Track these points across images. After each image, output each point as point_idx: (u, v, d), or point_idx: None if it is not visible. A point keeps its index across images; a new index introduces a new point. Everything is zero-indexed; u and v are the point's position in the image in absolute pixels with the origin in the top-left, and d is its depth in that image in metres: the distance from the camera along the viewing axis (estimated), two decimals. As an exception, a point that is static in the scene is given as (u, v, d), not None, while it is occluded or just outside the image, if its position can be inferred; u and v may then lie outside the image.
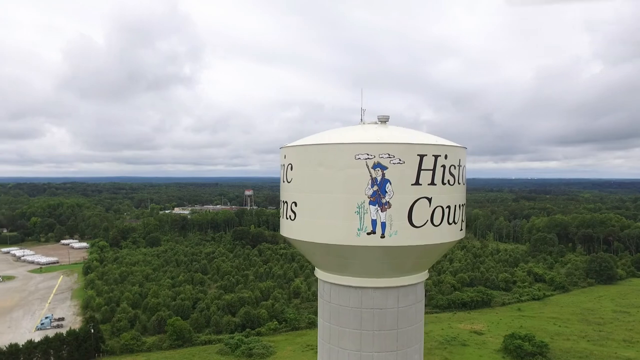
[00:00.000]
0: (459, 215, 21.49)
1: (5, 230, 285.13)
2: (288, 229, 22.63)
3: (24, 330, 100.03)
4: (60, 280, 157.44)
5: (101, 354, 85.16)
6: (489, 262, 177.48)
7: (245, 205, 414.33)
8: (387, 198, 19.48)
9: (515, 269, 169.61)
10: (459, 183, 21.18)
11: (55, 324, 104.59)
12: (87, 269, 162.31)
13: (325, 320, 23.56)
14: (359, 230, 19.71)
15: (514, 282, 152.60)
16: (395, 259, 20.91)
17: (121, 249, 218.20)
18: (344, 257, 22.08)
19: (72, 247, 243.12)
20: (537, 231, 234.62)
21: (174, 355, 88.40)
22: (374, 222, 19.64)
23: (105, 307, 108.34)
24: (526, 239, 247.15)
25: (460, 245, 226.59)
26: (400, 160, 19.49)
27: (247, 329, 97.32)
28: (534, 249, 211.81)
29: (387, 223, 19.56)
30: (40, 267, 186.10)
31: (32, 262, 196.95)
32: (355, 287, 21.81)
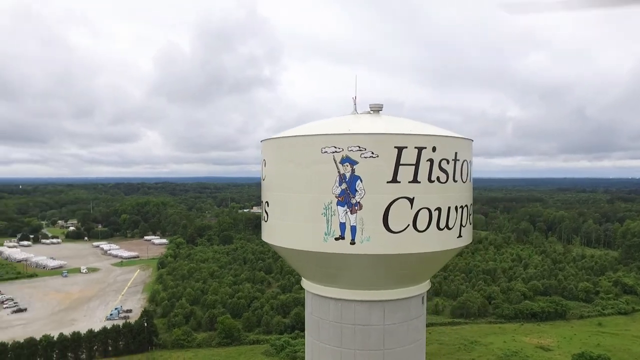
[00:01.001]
0: (458, 218, 17.87)
1: (100, 226, 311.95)
2: (263, 231, 20.54)
3: (96, 320, 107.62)
4: (136, 274, 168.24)
5: (154, 347, 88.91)
6: (569, 269, 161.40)
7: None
8: (357, 198, 16.59)
9: (600, 278, 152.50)
10: (454, 180, 17.63)
11: (123, 315, 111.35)
12: (160, 264, 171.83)
13: (309, 334, 21.03)
14: (326, 234, 17.00)
15: (597, 293, 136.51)
16: (371, 270, 17.85)
17: (196, 246, 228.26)
18: (315, 265, 19.45)
19: (153, 243, 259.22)
20: (632, 236, 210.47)
21: (221, 353, 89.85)
22: (342, 226, 16.82)
23: (166, 301, 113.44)
24: (619, 244, 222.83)
25: (539, 249, 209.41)
26: (372, 153, 16.50)
27: (297, 331, 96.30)
28: (626, 256, 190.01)
29: (357, 227, 16.66)
30: (121, 261, 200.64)
31: (116, 256, 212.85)
32: (335, 299, 19.05)
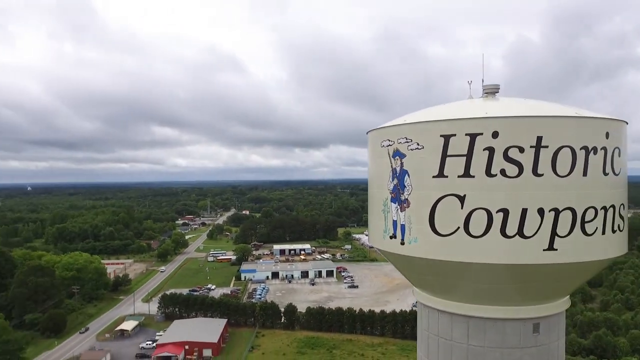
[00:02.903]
0: (546, 225, 13.65)
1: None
2: (372, 228, 20.97)
3: (405, 305, 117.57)
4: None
5: None
6: None
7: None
8: (405, 194, 15.54)
9: None
10: (537, 174, 13.64)
11: None
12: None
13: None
14: (384, 232, 16.61)
15: None
16: (426, 276, 15.96)
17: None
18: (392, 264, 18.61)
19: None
20: None
21: None
22: (394, 224, 16.07)
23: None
24: None
25: None
26: (418, 144, 15.10)
27: (593, 356, 75.88)
28: None
29: (406, 226, 15.59)
30: None
31: None
32: (423, 305, 17.83)
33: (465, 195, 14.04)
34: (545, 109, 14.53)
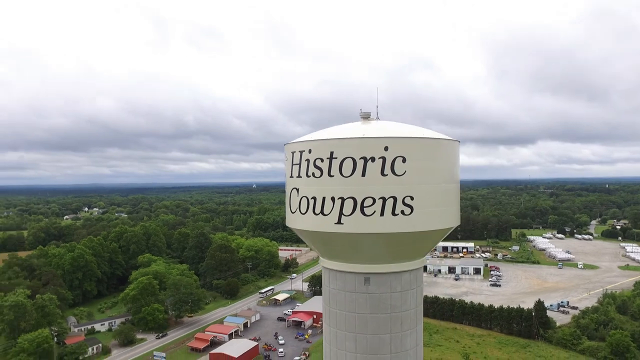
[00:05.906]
0: (336, 208, 21.60)
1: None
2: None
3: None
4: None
5: (539, 338, 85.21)
6: None
7: None
8: (285, 188, 25.22)
9: None
10: (330, 175, 21.89)
11: (562, 309, 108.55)
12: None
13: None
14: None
15: None
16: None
17: None
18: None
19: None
20: None
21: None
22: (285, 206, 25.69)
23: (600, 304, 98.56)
24: None
25: None
26: (285, 157, 24.74)
27: None
28: None
29: (285, 207, 25.21)
30: (628, 264, 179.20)
31: (634, 259, 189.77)
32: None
33: (299, 189, 22.98)
34: (340, 132, 22.38)
